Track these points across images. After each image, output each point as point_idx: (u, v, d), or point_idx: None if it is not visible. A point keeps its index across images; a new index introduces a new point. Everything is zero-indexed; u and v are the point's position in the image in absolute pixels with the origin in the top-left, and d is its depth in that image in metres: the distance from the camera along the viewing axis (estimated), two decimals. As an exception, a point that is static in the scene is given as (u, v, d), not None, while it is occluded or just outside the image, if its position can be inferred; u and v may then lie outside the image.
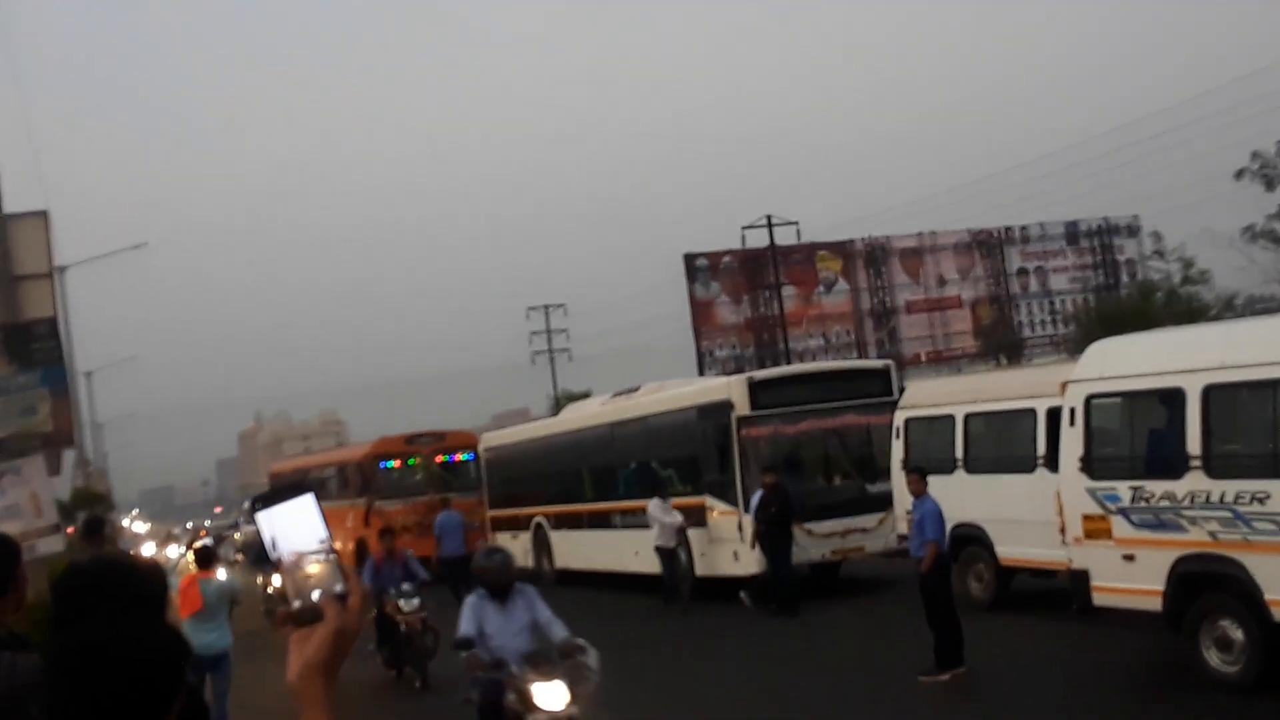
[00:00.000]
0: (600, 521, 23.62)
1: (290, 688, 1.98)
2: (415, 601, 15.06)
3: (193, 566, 12.72)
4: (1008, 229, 58.74)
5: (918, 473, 13.47)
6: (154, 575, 2.34)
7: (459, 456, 30.08)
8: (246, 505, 2.24)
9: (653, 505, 19.60)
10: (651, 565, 21.19)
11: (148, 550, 43.08)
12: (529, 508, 26.52)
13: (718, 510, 19.49)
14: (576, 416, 25.81)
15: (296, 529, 1.98)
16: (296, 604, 2.00)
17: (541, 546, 26.13)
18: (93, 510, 34.60)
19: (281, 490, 2.03)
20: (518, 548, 26.73)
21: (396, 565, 15.33)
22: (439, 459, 29.76)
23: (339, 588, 1.97)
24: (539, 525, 25.92)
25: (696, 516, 19.92)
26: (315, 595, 1.95)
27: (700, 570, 19.65)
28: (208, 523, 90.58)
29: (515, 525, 26.99)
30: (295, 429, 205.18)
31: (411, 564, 15.70)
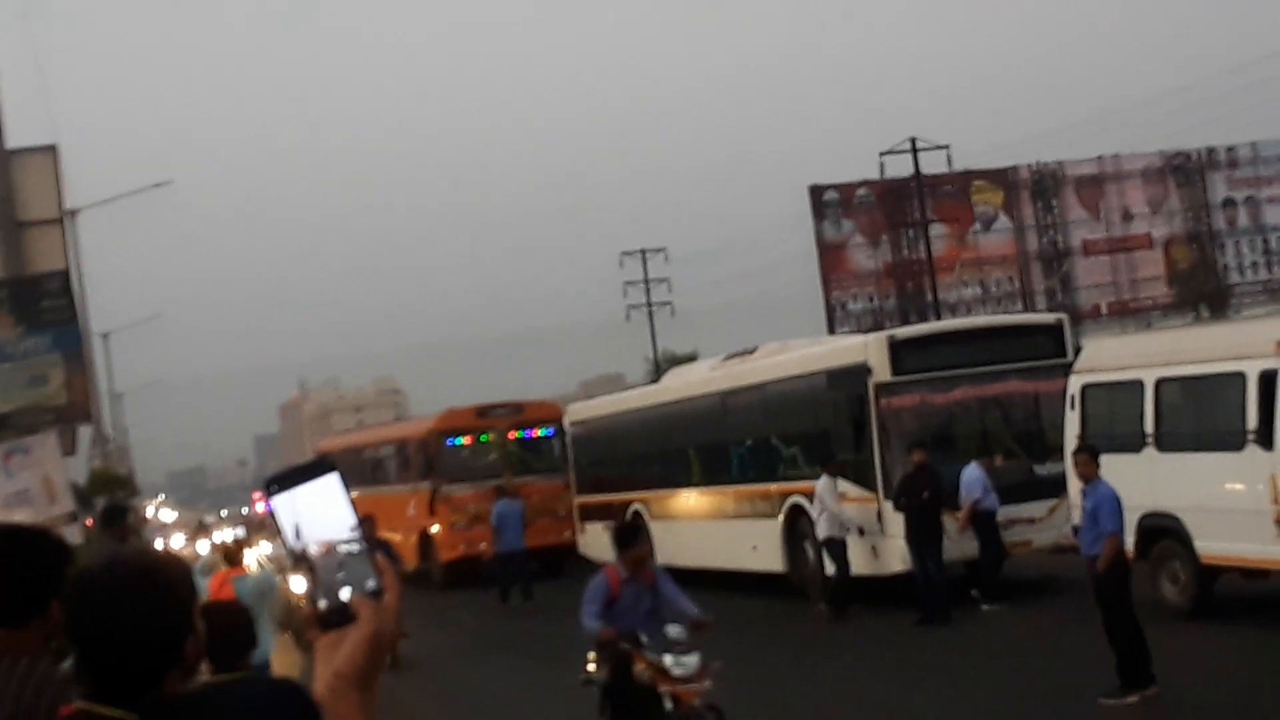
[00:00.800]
0: (710, 509, 24.05)
1: (319, 702, 1.99)
2: (693, 661, 10.04)
3: (222, 564, 12.91)
4: (1210, 150, 57.66)
5: (1088, 452, 13.37)
6: (181, 582, 2.37)
7: (539, 432, 30.66)
8: (260, 490, 2.26)
9: (821, 486, 19.49)
10: (771, 562, 21.39)
11: (177, 543, 44.46)
12: (624, 493, 27.11)
13: (852, 496, 19.63)
14: (681, 384, 26.32)
15: (321, 515, 2.03)
16: (324, 604, 2.03)
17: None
18: (113, 496, 35.43)
19: (301, 469, 2.05)
20: (609, 541, 27.20)
21: (643, 588, 10.24)
22: (515, 435, 30.40)
23: (371, 584, 2.00)
24: (636, 514, 26.38)
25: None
26: (345, 594, 1.98)
27: (832, 569, 19.75)
28: (245, 510, 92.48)
29: (607, 513, 27.51)
30: (346, 399, 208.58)
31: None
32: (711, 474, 24.15)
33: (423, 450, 30.57)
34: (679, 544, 24.91)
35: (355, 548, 2.06)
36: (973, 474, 18.86)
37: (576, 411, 30.36)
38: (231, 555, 13.08)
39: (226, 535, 41.88)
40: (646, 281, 66.37)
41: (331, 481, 2.07)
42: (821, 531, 19.50)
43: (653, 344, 65.78)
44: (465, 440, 30.24)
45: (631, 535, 10.45)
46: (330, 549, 2.04)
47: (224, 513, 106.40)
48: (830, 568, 19.62)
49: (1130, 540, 15.29)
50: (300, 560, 2.06)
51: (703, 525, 24.28)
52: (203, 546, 31.07)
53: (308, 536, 2.03)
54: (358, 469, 32.70)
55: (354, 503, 2.11)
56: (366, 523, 16.13)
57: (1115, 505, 12.80)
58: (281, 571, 15.96)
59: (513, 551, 24.74)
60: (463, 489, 29.29)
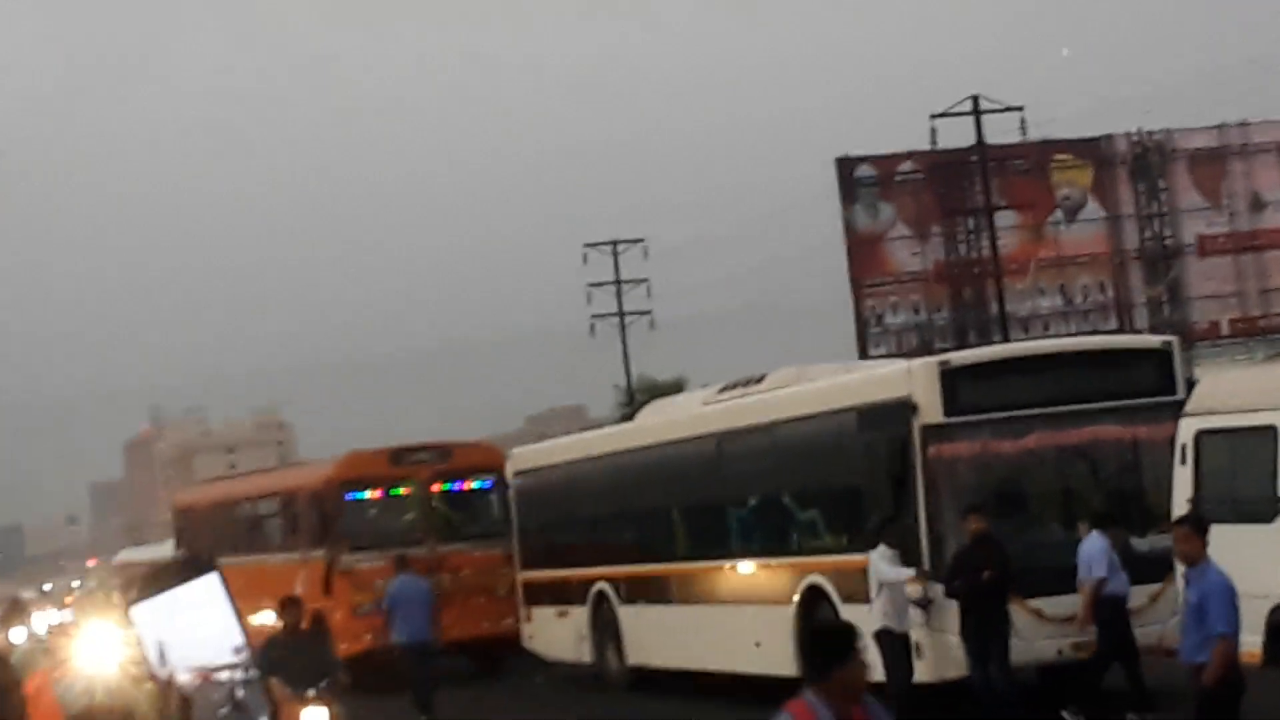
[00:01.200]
0: (701, 592, 24.12)
1: None
2: None
3: (54, 654, 12.65)
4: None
5: (1191, 525, 13.32)
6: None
7: (472, 484, 30.83)
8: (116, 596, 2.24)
9: (876, 557, 19.29)
10: (779, 663, 21.10)
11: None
12: (584, 567, 27.20)
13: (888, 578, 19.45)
14: (662, 422, 26.45)
15: (196, 629, 2.04)
16: None
17: (605, 630, 26.78)
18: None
19: (171, 568, 2.06)
20: (565, 631, 27.22)
21: None
22: (440, 487, 30.55)
23: None
24: (600, 596, 26.51)
25: (855, 584, 20.02)
26: None
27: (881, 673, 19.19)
28: (76, 584, 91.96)
29: (563, 595, 27.51)
30: (214, 436, 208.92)
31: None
32: (702, 544, 24.20)
33: (317, 506, 30.52)
34: (659, 636, 24.85)
35: (241, 674, 2.07)
36: (1095, 546, 18.71)
37: (523, 458, 30.28)
38: (53, 647, 12.89)
39: (50, 618, 41.38)
40: (618, 283, 66.14)
41: (210, 584, 2.08)
42: (875, 622, 19.04)
43: (625, 367, 65.59)
44: (373, 493, 30.31)
45: (843, 645, 7.92)
46: (207, 678, 2.04)
47: (46, 587, 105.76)
48: (878, 671, 18.73)
49: (1256, 641, 15.26)
50: (165, 688, 2.07)
51: (690, 613, 24.27)
52: (18, 634, 30.77)
53: (176, 658, 2.03)
54: (228, 531, 32.59)
55: (236, 607, 2.12)
56: (291, 607, 16.39)
57: (1228, 597, 12.70)
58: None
59: (415, 643, 24.60)
60: (369, 559, 29.13)
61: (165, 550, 54.02)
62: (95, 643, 15.03)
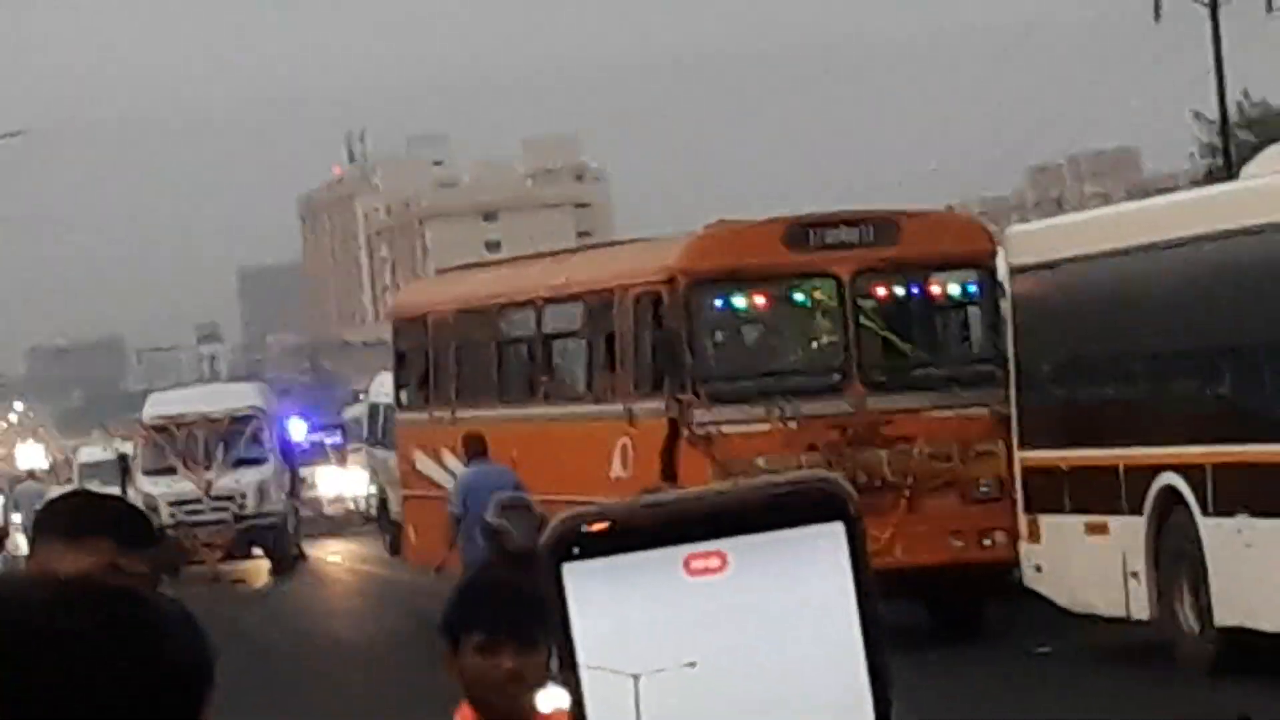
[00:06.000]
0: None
1: None
2: None
3: None
4: None
5: None
6: None
7: (933, 285, 25.21)
8: None
9: None
10: None
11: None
12: (1142, 446, 22.55)
13: None
14: None
15: None
16: None
17: (1176, 562, 22.12)
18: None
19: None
20: (1100, 562, 22.55)
21: None
22: (875, 290, 25.13)
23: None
24: (1168, 497, 21.88)
25: None
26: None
27: None
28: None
29: (1100, 495, 22.64)
30: (462, 188, 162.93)
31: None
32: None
33: (653, 319, 25.18)
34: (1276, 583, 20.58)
35: None
36: None
37: (1031, 240, 24.96)
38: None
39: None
40: None
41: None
42: None
43: (1218, 75, 47.90)
44: (757, 298, 24.89)
45: None
46: None
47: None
48: None
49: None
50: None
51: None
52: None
53: None
54: (487, 362, 28.76)
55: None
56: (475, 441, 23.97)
57: None
58: None
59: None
60: (747, 416, 23.71)
61: (222, 395, 48.89)
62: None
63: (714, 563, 1.74)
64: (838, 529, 1.77)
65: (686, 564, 1.74)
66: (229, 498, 40.37)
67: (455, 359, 30.51)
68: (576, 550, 1.71)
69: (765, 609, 1.75)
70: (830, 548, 1.76)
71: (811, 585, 1.75)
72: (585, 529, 1.73)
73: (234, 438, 41.90)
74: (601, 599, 1.64)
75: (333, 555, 45.96)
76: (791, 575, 1.75)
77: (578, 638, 1.61)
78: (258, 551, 41.06)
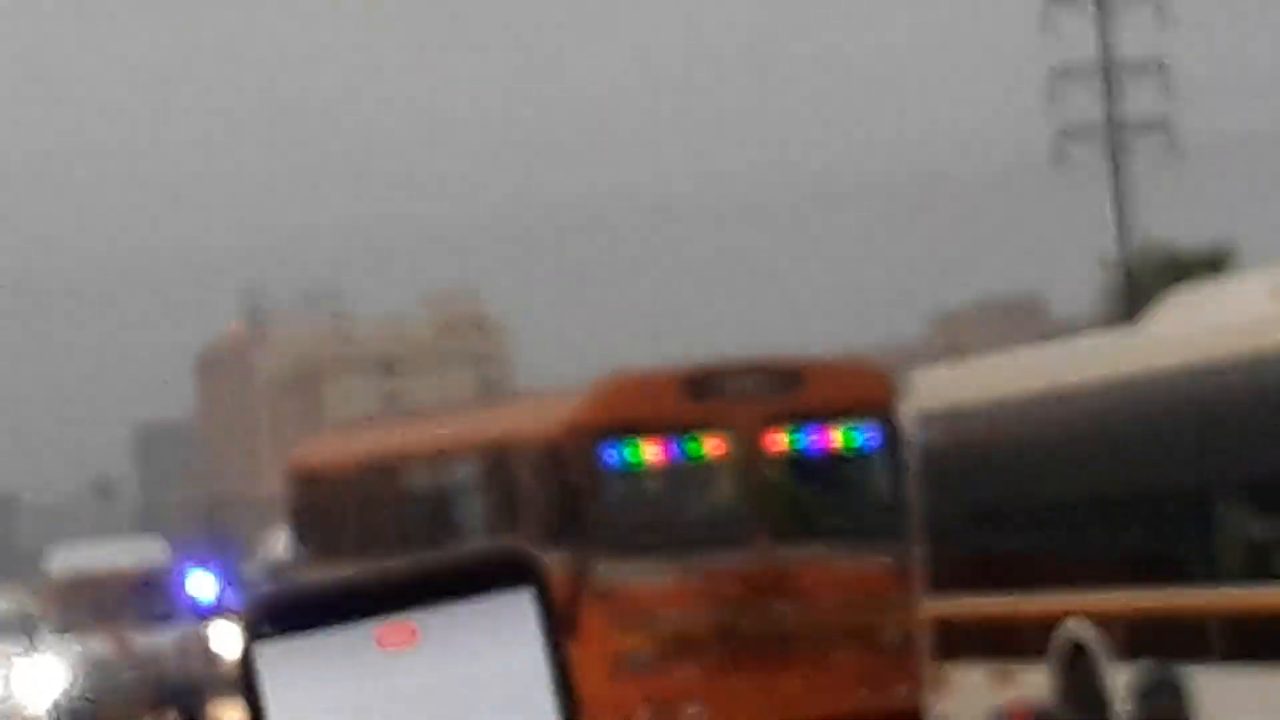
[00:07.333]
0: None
1: None
2: None
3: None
4: None
5: None
6: None
7: (835, 435, 25.11)
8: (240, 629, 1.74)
9: None
10: None
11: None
12: (1048, 592, 23.13)
13: None
14: (1202, 333, 21.80)
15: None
16: None
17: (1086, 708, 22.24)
18: None
19: (328, 594, 1.69)
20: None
21: None
22: (776, 440, 24.98)
23: None
24: (1074, 648, 22.31)
25: None
26: None
27: None
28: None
29: (1006, 643, 23.23)
30: (358, 343, 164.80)
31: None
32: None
33: (553, 474, 25.10)
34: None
35: None
36: None
37: (935, 387, 25.26)
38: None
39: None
40: (1106, 66, 50.86)
41: (522, 605, 1.66)
42: None
43: (1116, 222, 49.37)
44: (655, 451, 24.54)
45: None
46: None
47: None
48: None
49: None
50: None
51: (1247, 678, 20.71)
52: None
53: None
54: (386, 519, 28.35)
55: None
56: None
57: None
58: None
59: None
60: (648, 571, 24.02)
61: (131, 550, 47.23)
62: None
63: (404, 636, 1.68)
64: (527, 595, 1.70)
65: (379, 638, 1.68)
66: (151, 659, 39.19)
67: (353, 514, 30.42)
68: (267, 628, 1.63)
69: (455, 682, 1.69)
70: (520, 615, 1.70)
71: (502, 655, 1.70)
72: (276, 606, 1.66)
73: (147, 594, 41.03)
74: (294, 677, 1.56)
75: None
76: (481, 646, 1.70)
77: (270, 717, 1.53)
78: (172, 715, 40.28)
